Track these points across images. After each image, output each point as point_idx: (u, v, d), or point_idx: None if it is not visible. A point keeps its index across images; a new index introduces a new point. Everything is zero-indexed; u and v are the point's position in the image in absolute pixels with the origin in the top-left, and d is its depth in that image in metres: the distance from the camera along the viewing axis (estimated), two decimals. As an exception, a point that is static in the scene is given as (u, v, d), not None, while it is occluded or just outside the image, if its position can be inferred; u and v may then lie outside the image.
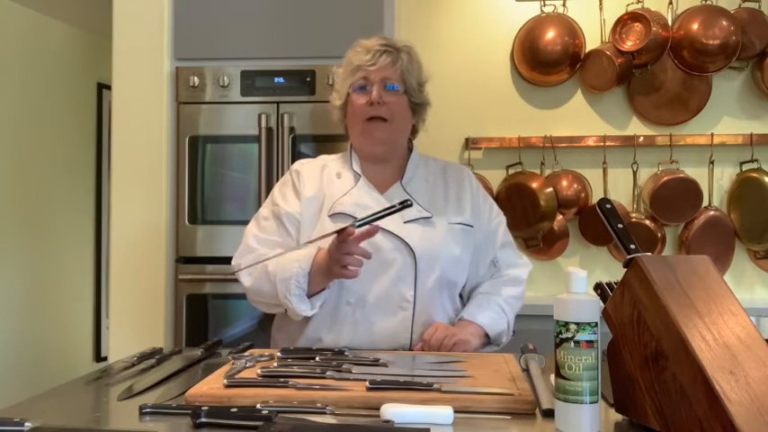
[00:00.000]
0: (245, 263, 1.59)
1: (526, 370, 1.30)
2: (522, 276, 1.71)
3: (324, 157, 1.74)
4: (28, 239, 3.82)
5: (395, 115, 1.60)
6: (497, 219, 1.72)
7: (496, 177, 3.04)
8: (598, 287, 1.09)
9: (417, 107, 1.66)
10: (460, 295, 1.68)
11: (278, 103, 2.54)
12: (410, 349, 1.53)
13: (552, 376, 1.00)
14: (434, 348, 1.48)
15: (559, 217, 2.98)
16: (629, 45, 2.93)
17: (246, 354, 1.36)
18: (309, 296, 1.49)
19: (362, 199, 1.60)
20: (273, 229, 1.62)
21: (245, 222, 1.71)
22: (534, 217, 2.91)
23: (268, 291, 1.53)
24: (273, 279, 1.50)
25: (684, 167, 2.96)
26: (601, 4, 3.04)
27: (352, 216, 1.55)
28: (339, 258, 1.41)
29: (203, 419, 0.97)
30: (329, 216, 1.58)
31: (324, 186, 1.64)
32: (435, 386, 1.08)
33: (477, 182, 1.75)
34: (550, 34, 3.00)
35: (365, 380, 1.10)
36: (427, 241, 1.56)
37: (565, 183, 2.98)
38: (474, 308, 1.61)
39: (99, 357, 4.34)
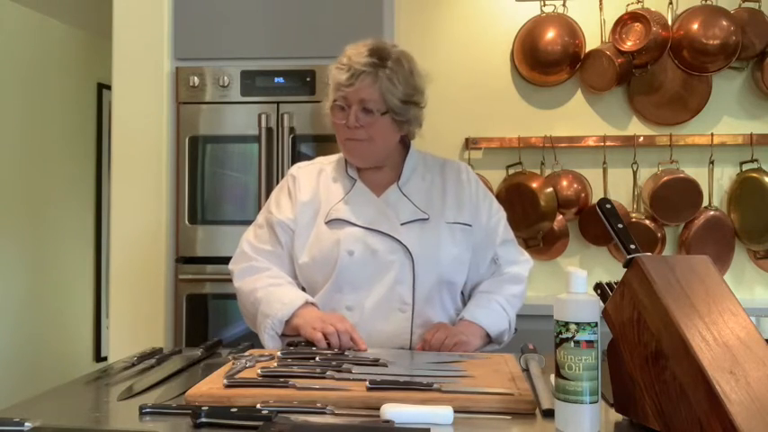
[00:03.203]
0: (238, 270, 1.63)
1: (526, 370, 1.30)
2: (524, 274, 1.70)
3: (320, 160, 1.73)
4: (28, 239, 3.82)
5: (374, 136, 1.56)
6: (497, 215, 1.70)
7: (496, 177, 3.04)
8: (598, 287, 1.09)
9: (403, 123, 1.59)
10: (462, 293, 1.67)
11: (278, 103, 2.54)
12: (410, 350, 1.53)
13: (552, 376, 1.00)
14: (435, 348, 1.48)
15: (559, 217, 2.98)
16: (629, 45, 2.93)
17: (246, 354, 1.36)
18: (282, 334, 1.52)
19: (358, 204, 1.59)
20: (266, 237, 1.64)
21: (245, 222, 1.72)
22: (534, 217, 2.91)
23: (249, 312, 1.58)
24: (257, 306, 1.54)
25: (684, 167, 2.96)
26: (601, 4, 3.04)
27: (348, 222, 1.56)
28: (332, 324, 1.42)
29: (203, 419, 0.97)
30: (326, 222, 1.58)
31: (320, 191, 1.64)
32: (435, 386, 1.08)
33: (476, 178, 1.73)
34: (550, 34, 3.00)
35: (365, 380, 1.10)
36: (424, 242, 1.56)
37: (565, 183, 2.98)
38: (475, 307, 1.60)
39: (99, 357, 4.34)
